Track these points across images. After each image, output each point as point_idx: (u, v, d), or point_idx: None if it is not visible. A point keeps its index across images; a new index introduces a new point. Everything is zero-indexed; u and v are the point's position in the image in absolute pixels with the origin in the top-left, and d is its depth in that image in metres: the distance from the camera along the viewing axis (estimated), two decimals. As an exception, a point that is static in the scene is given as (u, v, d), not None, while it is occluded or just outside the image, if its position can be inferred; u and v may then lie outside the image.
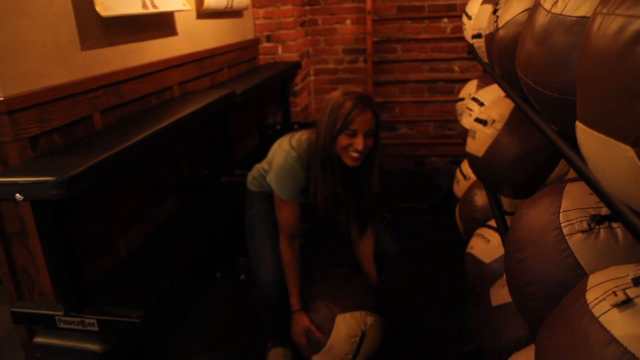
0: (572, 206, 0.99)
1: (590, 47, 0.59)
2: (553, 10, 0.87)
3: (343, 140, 1.61)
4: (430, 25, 3.88)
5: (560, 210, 0.99)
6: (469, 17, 2.40)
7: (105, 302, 1.68)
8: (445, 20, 3.84)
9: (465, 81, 3.67)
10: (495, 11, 1.63)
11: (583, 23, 0.81)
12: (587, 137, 0.61)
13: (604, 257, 0.91)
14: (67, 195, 1.33)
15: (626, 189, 0.56)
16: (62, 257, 1.55)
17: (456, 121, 3.09)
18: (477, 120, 1.97)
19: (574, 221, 0.96)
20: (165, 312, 2.03)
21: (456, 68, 3.94)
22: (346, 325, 1.73)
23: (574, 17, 0.83)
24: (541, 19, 0.91)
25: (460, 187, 2.64)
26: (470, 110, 2.22)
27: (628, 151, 0.52)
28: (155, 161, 2.32)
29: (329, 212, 1.73)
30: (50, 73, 1.71)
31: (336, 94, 1.64)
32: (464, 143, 2.60)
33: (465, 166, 2.64)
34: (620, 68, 0.52)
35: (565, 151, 0.96)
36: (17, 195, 1.32)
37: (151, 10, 2.12)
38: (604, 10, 0.57)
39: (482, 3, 2.13)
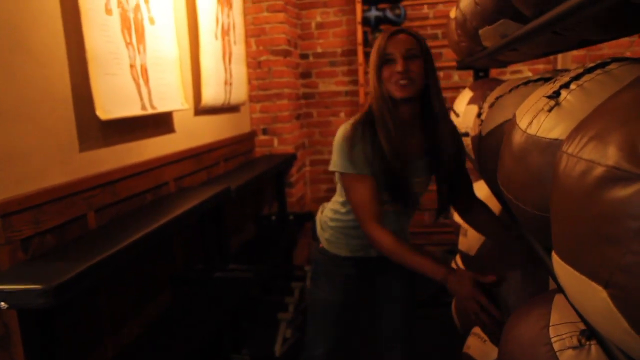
0: (561, 320, 0.98)
1: (559, 184, 0.61)
2: (528, 131, 0.92)
3: (385, 72, 1.49)
4: (422, 118, 4.01)
5: (550, 324, 0.98)
6: (457, 115, 2.49)
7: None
8: (436, 113, 3.97)
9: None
10: (479, 114, 1.70)
11: (557, 145, 0.85)
12: (562, 270, 0.62)
13: (597, 375, 0.89)
14: (55, 304, 1.31)
15: (603, 325, 0.56)
16: (46, 366, 1.50)
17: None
18: (468, 218, 1.99)
19: (564, 336, 0.95)
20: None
21: (448, 158, 4.03)
22: None
23: (547, 139, 0.87)
24: (518, 137, 0.95)
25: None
26: (462, 205, 2.24)
27: (601, 292, 0.53)
28: (148, 256, 2.31)
29: (403, 166, 1.51)
30: (48, 174, 1.74)
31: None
32: (456, 232, 2.61)
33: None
34: (587, 211, 0.54)
35: (548, 266, 0.96)
36: (2, 303, 1.30)
37: (150, 111, 2.20)
38: (569, 150, 0.60)
39: (468, 103, 2.22)
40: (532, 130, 0.90)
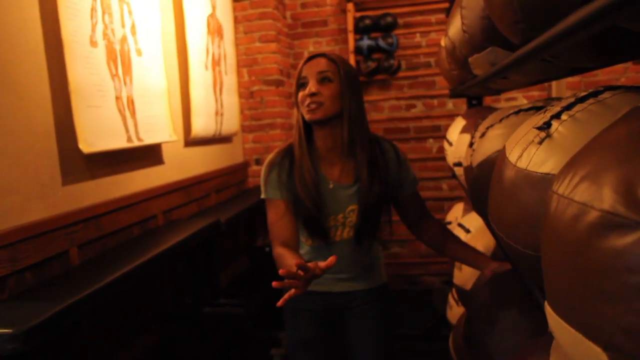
0: (561, 366, 0.91)
1: (551, 228, 0.55)
2: (518, 165, 0.86)
3: (300, 96, 1.47)
4: (417, 146, 3.98)
5: (549, 371, 0.91)
6: (450, 144, 2.44)
7: None
8: (431, 140, 3.95)
9: (454, 199, 3.69)
10: (471, 144, 1.65)
11: (549, 180, 0.79)
12: (556, 325, 0.55)
13: None
14: (25, 349, 1.24)
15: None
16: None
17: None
18: (463, 250, 1.92)
19: (564, 385, 0.88)
20: None
21: (444, 186, 3.98)
22: None
23: (538, 173, 0.81)
24: (508, 171, 0.89)
25: (453, 312, 2.53)
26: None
27: (600, 354, 0.47)
28: (134, 292, 2.23)
29: (315, 199, 1.47)
30: (28, 210, 1.68)
31: None
32: (451, 264, 2.54)
33: (458, 291, 2.55)
34: (581, 261, 0.48)
35: (542, 304, 0.90)
36: (-31, 350, 1.23)
37: (136, 144, 2.16)
38: (560, 191, 0.54)
39: (461, 132, 2.18)
40: (522, 164, 0.85)
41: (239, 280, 3.19)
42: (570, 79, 3.58)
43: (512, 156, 0.89)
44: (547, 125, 0.84)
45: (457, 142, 2.15)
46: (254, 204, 2.99)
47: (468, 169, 1.60)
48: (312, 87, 1.44)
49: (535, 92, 3.77)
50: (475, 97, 2.64)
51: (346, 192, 1.54)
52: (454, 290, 2.60)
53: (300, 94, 1.48)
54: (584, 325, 0.49)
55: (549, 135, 0.82)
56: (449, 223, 2.61)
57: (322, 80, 1.46)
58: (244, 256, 3.55)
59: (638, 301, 0.42)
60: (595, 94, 0.84)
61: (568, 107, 0.85)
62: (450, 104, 3.89)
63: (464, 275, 1.86)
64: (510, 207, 0.87)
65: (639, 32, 0.70)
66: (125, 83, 2.12)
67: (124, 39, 2.11)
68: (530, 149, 0.85)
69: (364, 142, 1.52)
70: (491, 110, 2.19)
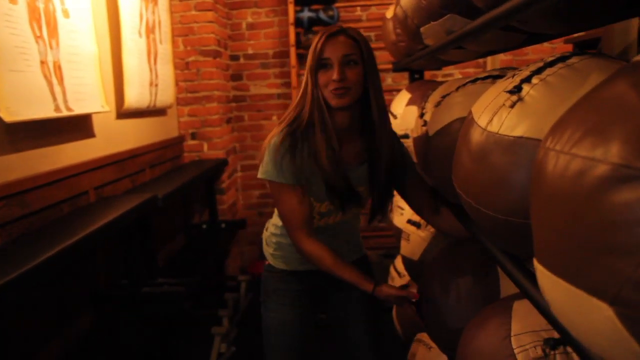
0: (523, 329, 0.92)
1: (547, 186, 0.54)
2: (489, 129, 0.85)
3: (321, 78, 1.39)
4: (355, 121, 3.97)
5: (512, 334, 0.92)
6: (395, 116, 2.45)
7: None
8: (369, 116, 3.95)
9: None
10: (422, 115, 1.65)
11: (521, 144, 0.79)
12: (550, 284, 0.54)
13: (563, 386, 0.84)
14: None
15: (604, 346, 0.49)
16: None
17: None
18: (410, 222, 1.94)
19: (527, 347, 0.89)
20: None
21: (382, 162, 4.02)
22: None
23: (511, 136, 0.80)
24: (477, 136, 0.88)
25: (395, 284, 2.57)
26: (402, 209, 2.20)
27: (605, 309, 0.46)
28: (66, 274, 2.08)
29: (338, 176, 1.43)
30: (-60, 186, 1.51)
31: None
32: (395, 236, 2.57)
33: (399, 263, 2.59)
34: (587, 216, 0.46)
35: (510, 272, 0.91)
36: None
37: (65, 113, 1.99)
38: (557, 147, 0.53)
39: (407, 104, 2.18)
40: (493, 128, 0.84)
41: (177, 259, 3.08)
42: (503, 57, 3.70)
43: (481, 120, 0.88)
44: (517, 89, 0.83)
45: (402, 115, 2.15)
46: (190, 180, 2.87)
47: (419, 139, 1.59)
48: (338, 72, 1.35)
49: (471, 69, 3.86)
50: (418, 70, 2.65)
51: (355, 173, 1.50)
52: (395, 262, 2.64)
53: (323, 76, 1.38)
54: (588, 281, 0.48)
55: (520, 99, 0.81)
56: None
57: (347, 63, 1.38)
58: (180, 234, 3.43)
59: (654, 254, 0.40)
60: (563, 59, 0.84)
61: (538, 71, 0.84)
62: (389, 79, 3.91)
63: (412, 246, 1.88)
64: (480, 172, 0.86)
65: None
66: (51, 46, 1.93)
67: (48, -2, 1.93)
68: (501, 113, 0.84)
69: (386, 123, 1.48)
70: (436, 83, 2.21)
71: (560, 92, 0.78)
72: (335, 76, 1.35)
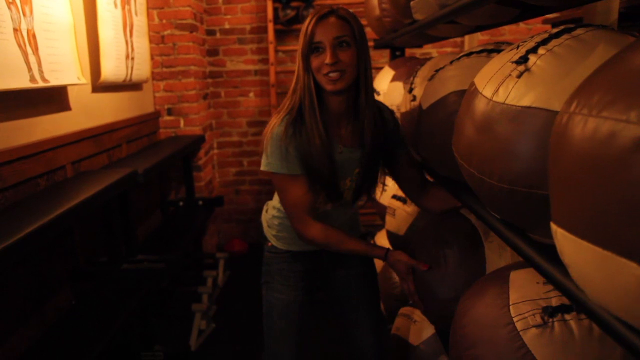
0: (521, 298, 0.94)
1: (571, 150, 0.54)
2: (495, 99, 0.85)
3: (314, 62, 1.35)
4: (333, 99, 3.95)
5: (510, 303, 0.94)
6: (377, 93, 2.44)
7: None
8: (348, 94, 3.94)
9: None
10: (410, 90, 1.65)
11: (530, 113, 0.79)
12: (572, 246, 0.55)
13: (561, 352, 0.86)
14: None
15: (628, 308, 0.50)
16: None
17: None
18: (396, 197, 1.95)
19: (526, 315, 0.91)
20: None
21: (360, 140, 4.02)
22: None
23: (518, 106, 0.81)
24: (482, 106, 0.88)
25: (376, 262, 2.59)
26: (385, 185, 2.20)
27: (635, 269, 0.47)
28: (44, 251, 2.03)
29: (331, 164, 1.41)
30: None
31: None
32: (375, 214, 2.59)
33: (380, 239, 2.61)
34: (619, 178, 0.47)
35: (510, 241, 0.92)
36: None
37: (41, 84, 1.91)
38: (584, 111, 0.53)
39: (392, 80, 2.17)
40: (499, 98, 0.84)
41: (154, 236, 3.03)
42: (480, 37, 3.72)
43: (486, 91, 0.88)
44: (524, 60, 0.83)
45: (387, 91, 2.14)
46: (168, 157, 2.82)
47: (408, 114, 1.59)
48: (331, 55, 1.32)
49: (449, 48, 3.88)
50: (399, 48, 2.65)
51: (352, 155, 1.47)
52: (377, 238, 2.66)
53: (316, 60, 1.34)
54: (618, 243, 0.48)
55: (527, 69, 0.82)
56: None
57: (340, 45, 1.34)
58: (157, 211, 3.38)
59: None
60: (568, 30, 0.85)
61: (543, 42, 0.85)
62: (367, 58, 3.89)
63: (397, 221, 1.89)
64: (485, 142, 0.86)
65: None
66: (24, 14, 1.85)
67: (20, -38, 1.83)
68: (508, 83, 0.84)
69: (372, 105, 1.44)
70: (420, 60, 2.21)
71: (568, 63, 0.78)
72: (327, 59, 1.32)
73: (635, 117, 0.46)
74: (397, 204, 1.93)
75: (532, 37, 0.90)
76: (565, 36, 0.83)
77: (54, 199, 1.86)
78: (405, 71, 2.04)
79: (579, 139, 0.53)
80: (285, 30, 3.83)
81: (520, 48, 0.88)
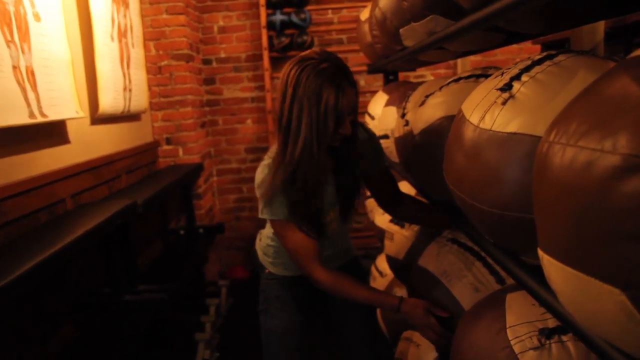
0: (518, 320, 0.95)
1: (551, 179, 0.56)
2: (482, 126, 0.87)
3: (336, 130, 1.35)
4: (330, 123, 3.99)
5: (507, 326, 0.95)
6: (372, 117, 2.47)
7: None
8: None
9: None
10: (403, 115, 1.67)
11: (516, 139, 0.81)
12: (558, 272, 0.56)
13: (559, 374, 0.87)
14: None
15: (615, 331, 0.51)
16: None
17: (363, 214, 3.09)
18: (394, 221, 1.96)
19: (523, 337, 0.92)
20: None
21: (358, 162, 4.05)
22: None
23: (504, 133, 0.83)
24: (469, 133, 0.90)
25: (377, 284, 2.58)
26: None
27: (617, 295, 0.48)
28: (44, 284, 2.03)
29: (317, 208, 1.43)
30: None
31: (298, 72, 1.31)
32: (374, 236, 2.59)
33: (381, 262, 2.62)
34: (597, 206, 0.48)
35: (503, 264, 0.93)
36: None
37: (40, 119, 1.94)
38: (562, 140, 0.55)
39: (386, 105, 2.20)
40: (486, 125, 0.86)
41: (156, 266, 3.03)
42: (473, 58, 3.77)
43: (473, 118, 0.90)
44: (508, 87, 0.86)
45: (381, 116, 2.17)
46: (167, 186, 2.84)
47: (401, 139, 1.61)
48: (349, 127, 1.35)
49: (442, 70, 3.93)
50: (392, 72, 2.69)
51: (329, 189, 1.49)
52: (377, 262, 2.66)
53: (338, 129, 1.34)
54: (599, 269, 0.50)
55: (512, 96, 0.84)
56: (370, 197, 2.65)
57: (353, 113, 1.38)
58: (158, 240, 3.38)
59: (667, 238, 0.43)
60: (550, 57, 0.87)
61: (526, 69, 0.87)
62: (362, 81, 3.94)
63: (396, 246, 1.90)
64: (473, 169, 0.88)
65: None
66: (23, 51, 1.89)
67: (18, 1, 1.88)
68: (493, 110, 0.86)
69: (357, 135, 1.47)
70: (413, 84, 2.24)
71: (551, 89, 0.81)
72: (348, 131, 1.35)
73: (610, 147, 0.48)
74: (395, 228, 1.94)
75: (516, 63, 0.92)
76: (547, 62, 0.86)
77: (54, 233, 1.87)
78: (399, 96, 2.07)
79: (558, 168, 0.54)
80: (280, 57, 3.89)
81: (504, 75, 0.90)
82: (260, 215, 1.47)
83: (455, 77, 1.32)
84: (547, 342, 0.89)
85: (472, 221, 0.98)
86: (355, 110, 1.39)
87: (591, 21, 1.10)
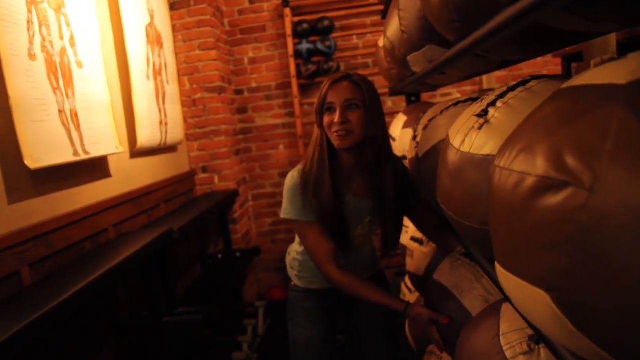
0: (510, 328, 1.01)
1: (495, 197, 0.64)
2: (462, 149, 0.96)
3: (326, 119, 1.51)
4: (360, 145, 4.09)
5: (500, 333, 1.01)
6: (393, 139, 2.56)
7: None
8: (373, 139, 4.07)
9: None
10: (414, 137, 1.76)
11: (490, 161, 0.89)
12: (506, 280, 0.64)
13: (549, 378, 0.92)
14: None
15: (550, 329, 0.59)
16: None
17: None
18: (413, 239, 2.03)
19: (514, 343, 0.98)
20: None
21: (388, 182, 4.11)
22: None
23: (480, 155, 0.91)
24: (452, 156, 0.99)
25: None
26: (406, 227, 2.29)
27: (545, 297, 0.56)
28: (90, 307, 2.19)
29: (339, 215, 1.54)
30: (-27, 232, 1.64)
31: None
32: (402, 254, 2.65)
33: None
34: (523, 220, 0.56)
35: (492, 277, 1.00)
36: None
37: (83, 157, 2.13)
38: (501, 164, 0.63)
39: (404, 127, 2.29)
40: (465, 148, 0.94)
41: (194, 288, 3.18)
42: (498, 73, 3.81)
43: (455, 142, 0.98)
44: (484, 113, 0.94)
45: (400, 137, 2.26)
46: (203, 212, 2.99)
47: (413, 161, 1.70)
48: (340, 115, 1.47)
49: (468, 87, 3.98)
50: (414, 93, 2.77)
51: (362, 204, 1.61)
52: (406, 279, 2.72)
53: (327, 118, 1.51)
54: (529, 273, 0.57)
55: (487, 121, 0.92)
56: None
57: (349, 106, 1.49)
58: (197, 264, 3.54)
59: (569, 246, 0.50)
60: (523, 83, 0.95)
61: (501, 96, 0.95)
62: (389, 102, 4.04)
63: (416, 262, 1.96)
64: (457, 188, 0.96)
65: (557, 29, 0.81)
66: (67, 96, 2.08)
67: (63, 51, 2.08)
68: (472, 134, 0.94)
69: (389, 162, 1.58)
70: (430, 105, 2.32)
71: (520, 113, 0.88)
72: (337, 118, 1.47)
73: (530, 170, 0.56)
74: (414, 245, 2.01)
75: (495, 90, 1.00)
76: (520, 89, 0.94)
77: (98, 259, 2.03)
78: (415, 118, 2.15)
79: (497, 189, 0.63)
80: (309, 84, 4.04)
81: (483, 101, 0.99)
82: (281, 215, 1.60)
83: (454, 102, 1.40)
84: (536, 347, 0.95)
85: (462, 236, 1.05)
86: (358, 108, 1.49)
87: (572, 43, 1.16)
